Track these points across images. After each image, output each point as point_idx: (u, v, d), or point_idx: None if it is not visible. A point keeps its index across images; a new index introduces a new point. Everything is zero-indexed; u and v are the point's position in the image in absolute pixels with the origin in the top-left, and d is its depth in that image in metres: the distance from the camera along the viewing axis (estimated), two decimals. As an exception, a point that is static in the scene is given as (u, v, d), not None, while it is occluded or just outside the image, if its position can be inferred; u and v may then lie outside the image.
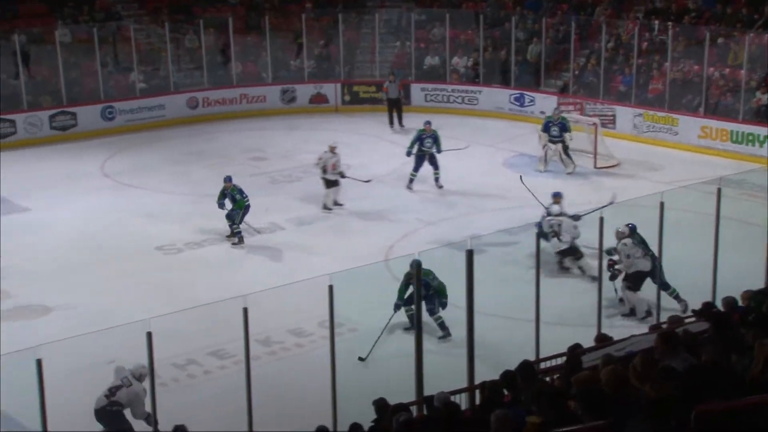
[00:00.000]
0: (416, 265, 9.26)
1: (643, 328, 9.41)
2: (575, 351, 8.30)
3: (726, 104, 21.64)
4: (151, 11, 26.78)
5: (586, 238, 13.47)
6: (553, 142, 19.91)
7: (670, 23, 23.11)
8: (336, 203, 17.60)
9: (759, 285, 10.45)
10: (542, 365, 9.12)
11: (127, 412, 9.78)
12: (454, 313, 12.36)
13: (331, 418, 8.84)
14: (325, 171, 17.40)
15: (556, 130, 19.82)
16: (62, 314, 13.15)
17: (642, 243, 12.50)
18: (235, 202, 16.02)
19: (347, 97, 26.37)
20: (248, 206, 16.07)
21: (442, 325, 12.10)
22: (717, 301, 9.59)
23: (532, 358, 9.43)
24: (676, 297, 12.30)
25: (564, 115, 20.67)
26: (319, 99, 26.29)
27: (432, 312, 12.00)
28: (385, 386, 8.44)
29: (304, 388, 10.83)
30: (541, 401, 6.12)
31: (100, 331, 10.91)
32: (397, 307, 12.14)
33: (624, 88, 23.38)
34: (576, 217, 14.17)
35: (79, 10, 25.96)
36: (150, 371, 8.31)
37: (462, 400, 8.42)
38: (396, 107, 24.00)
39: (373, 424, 7.62)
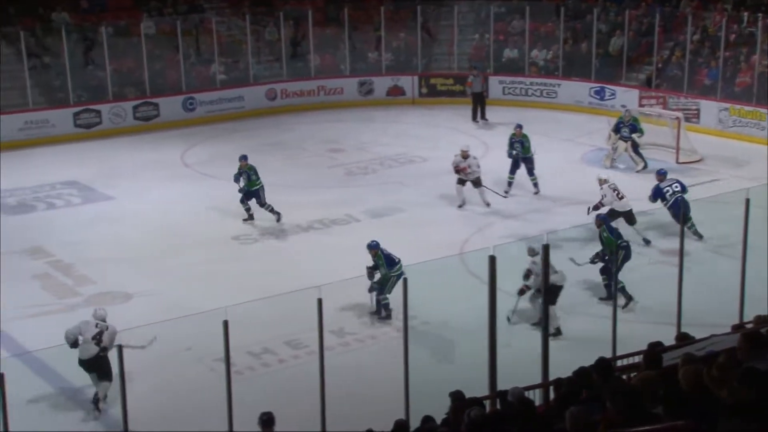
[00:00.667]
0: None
1: (725, 328, 9.17)
2: (655, 349, 8.11)
3: (816, 99, 21.00)
4: (233, 4, 27.12)
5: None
6: (624, 141, 19.60)
7: (760, 15, 22.47)
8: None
9: None
10: (619, 363, 8.96)
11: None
12: (529, 307, 12.25)
13: (404, 410, 8.82)
14: (457, 172, 17.17)
15: (626, 131, 19.54)
16: (142, 301, 13.40)
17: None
18: (249, 180, 16.39)
19: (424, 90, 26.32)
20: (261, 188, 16.48)
21: (387, 306, 12.62)
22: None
23: (608, 355, 9.27)
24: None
25: (644, 111, 20.36)
26: (396, 91, 26.29)
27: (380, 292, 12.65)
28: (458, 380, 8.37)
29: (377, 380, 10.83)
30: (618, 399, 6.00)
31: (178, 319, 11.10)
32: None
33: (709, 81, 22.82)
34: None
35: (163, 2, 26.43)
36: (226, 359, 8.40)
37: (536, 396, 8.32)
38: (480, 101, 23.89)
39: (446, 416, 7.57)
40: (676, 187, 14.97)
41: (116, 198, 18.26)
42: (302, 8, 26.53)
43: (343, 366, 10.93)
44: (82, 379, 10.75)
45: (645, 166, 19.22)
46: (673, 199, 14.80)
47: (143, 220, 16.90)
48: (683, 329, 9.78)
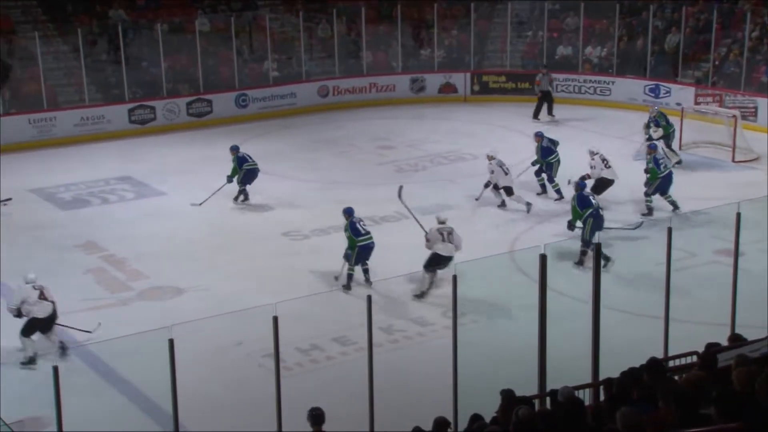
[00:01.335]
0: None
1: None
2: (711, 349, 8.00)
3: None
4: (287, 1, 27.27)
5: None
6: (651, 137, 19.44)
7: (820, 11, 22.06)
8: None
9: None
10: (671, 363, 8.85)
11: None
12: (580, 307, 12.14)
13: (452, 408, 8.80)
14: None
15: (652, 127, 19.52)
16: (193, 296, 13.54)
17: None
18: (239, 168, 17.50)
19: (476, 87, 26.22)
20: (250, 170, 17.55)
21: (350, 277, 13.37)
22: None
23: (659, 355, 9.15)
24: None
25: (699, 109, 20.31)
26: (448, 89, 26.24)
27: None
28: (506, 378, 8.33)
29: (426, 378, 10.83)
30: (670, 400, 5.94)
31: (228, 314, 11.20)
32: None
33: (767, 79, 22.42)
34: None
35: (218, -1, 26.71)
36: (275, 355, 8.45)
37: (586, 396, 8.25)
38: (547, 99, 23.85)
39: (495, 414, 7.54)
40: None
41: (168, 194, 18.47)
42: (355, 5, 26.59)
43: (391, 363, 10.94)
44: (135, 373, 10.91)
45: (679, 161, 19.12)
46: (666, 171, 16.41)
47: (195, 216, 17.08)
48: (737, 330, 9.63)
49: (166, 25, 24.74)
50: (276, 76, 25.48)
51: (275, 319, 8.17)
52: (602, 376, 8.30)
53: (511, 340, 11.63)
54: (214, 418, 10.05)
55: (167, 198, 18.27)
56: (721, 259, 13.34)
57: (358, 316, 8.68)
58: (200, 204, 17.50)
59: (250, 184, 17.61)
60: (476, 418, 7.50)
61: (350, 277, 13.46)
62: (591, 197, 14.48)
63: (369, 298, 8.45)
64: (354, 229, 13.56)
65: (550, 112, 23.67)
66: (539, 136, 17.92)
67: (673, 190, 16.50)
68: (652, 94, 24.12)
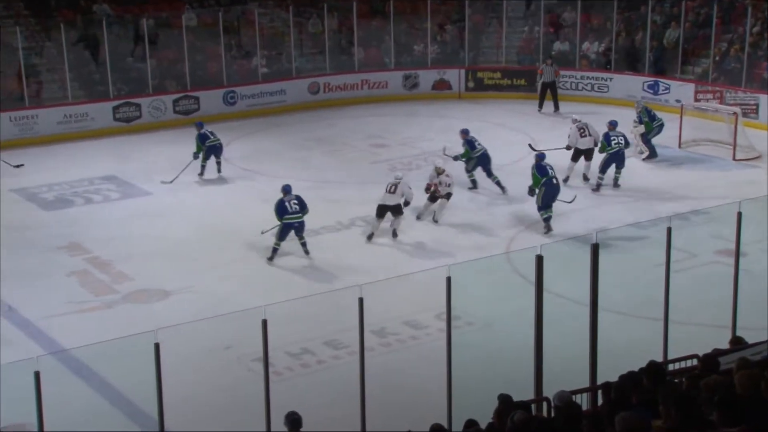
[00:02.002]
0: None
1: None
2: (712, 353, 8.01)
3: None
4: (276, -5, 27.26)
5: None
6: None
7: (823, 5, 22.11)
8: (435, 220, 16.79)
9: None
10: (670, 367, 8.85)
11: None
12: (577, 309, 12.14)
13: (446, 413, 8.80)
14: (428, 189, 17.14)
15: (636, 120, 19.96)
16: (180, 299, 13.51)
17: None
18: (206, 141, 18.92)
19: (471, 84, 26.22)
20: (212, 147, 18.95)
21: (275, 251, 14.71)
22: None
23: (659, 359, 9.16)
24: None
25: (699, 105, 20.59)
26: (441, 85, 26.24)
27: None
28: (502, 383, 8.33)
29: (420, 382, 10.82)
30: (670, 404, 5.93)
31: (216, 317, 11.18)
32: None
33: (769, 75, 22.48)
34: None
35: (206, -7, 26.68)
36: (264, 359, 8.43)
37: (583, 401, 8.25)
38: (551, 91, 24.00)
39: (492, 420, 7.53)
40: (621, 140, 17.46)
41: (155, 193, 18.42)
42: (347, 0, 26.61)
43: (384, 367, 10.93)
44: (120, 378, 10.88)
45: (650, 156, 19.54)
46: (616, 149, 17.60)
47: (182, 217, 17.05)
48: (738, 333, 9.64)
49: (152, 20, 24.67)
50: (265, 72, 25.44)
51: (264, 322, 8.15)
52: (600, 380, 8.31)
53: (507, 343, 11.62)
54: (201, 425, 10.02)
55: (153, 198, 18.22)
56: (721, 259, 13.35)
57: (350, 319, 8.66)
58: (170, 182, 18.28)
59: (210, 159, 19.04)
60: (471, 424, 7.49)
61: (274, 251, 14.76)
62: (548, 167, 15.89)
63: (360, 300, 8.43)
64: (281, 208, 14.72)
65: (555, 106, 23.83)
66: (464, 132, 18.09)
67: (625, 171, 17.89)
68: (651, 91, 24.15)
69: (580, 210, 16.76)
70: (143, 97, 23.59)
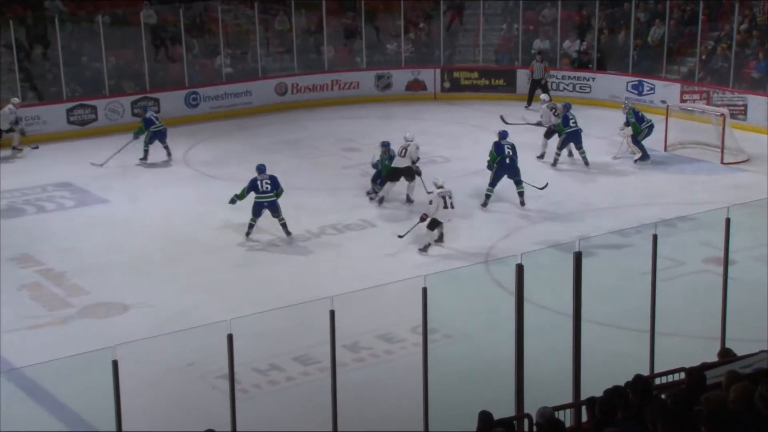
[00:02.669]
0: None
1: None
2: (699, 367, 8.07)
3: None
4: (240, -10, 27.25)
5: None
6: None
7: (813, 2, 22.39)
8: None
9: None
10: (657, 381, 8.91)
11: None
12: (560, 321, 12.20)
13: (423, 431, 8.80)
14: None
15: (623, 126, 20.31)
16: (140, 312, 13.44)
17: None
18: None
19: (447, 84, 26.32)
20: (156, 132, 20.47)
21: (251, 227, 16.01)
22: None
23: (645, 372, 9.21)
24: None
25: (686, 107, 20.96)
26: (416, 86, 26.32)
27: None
28: (482, 398, 8.35)
29: (395, 399, 10.83)
30: (658, 420, 5.97)
31: (178, 332, 11.12)
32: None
33: (757, 74, 22.71)
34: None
35: (165, -12, 26.60)
36: (230, 376, 8.40)
37: (566, 417, 8.28)
38: (541, 88, 24.29)
39: (469, 439, 7.57)
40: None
41: (112, 201, 18.34)
42: (315, -4, 26.64)
43: (357, 383, 10.92)
44: (76, 398, 10.80)
45: (643, 158, 19.77)
46: (573, 129, 19.56)
47: (141, 225, 16.96)
48: (727, 345, 9.72)
49: (108, 16, 24.56)
50: (229, 72, 25.40)
51: (230, 337, 8.12)
52: (584, 395, 8.34)
53: (487, 357, 11.66)
54: (163, 446, 9.97)
55: (110, 206, 18.13)
56: (710, 267, 13.48)
57: (321, 333, 8.65)
58: (101, 165, 18.62)
59: (153, 143, 20.42)
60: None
61: (250, 226, 16.02)
62: (506, 147, 17.40)
63: (332, 313, 8.43)
64: (251, 185, 16.01)
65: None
66: (384, 146, 17.95)
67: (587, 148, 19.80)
68: (635, 91, 24.35)
69: (559, 217, 16.87)
70: (99, 98, 23.48)
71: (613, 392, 7.20)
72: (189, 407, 10.97)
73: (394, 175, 17.46)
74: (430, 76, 26.34)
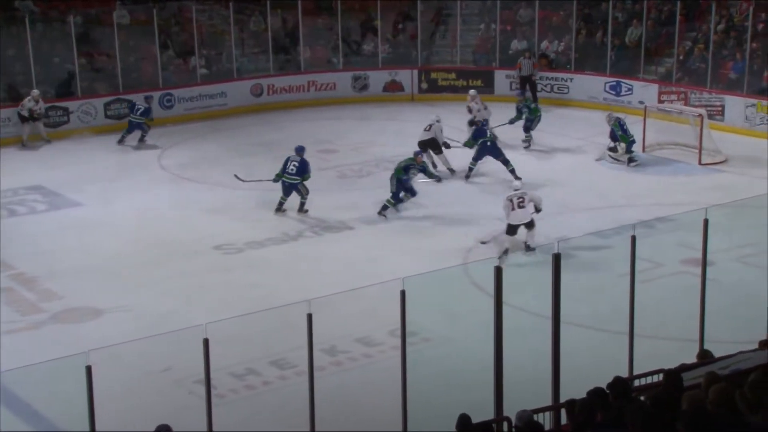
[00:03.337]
0: None
1: (751, 345, 9.18)
2: (677, 368, 8.13)
3: None
4: (215, -10, 27.17)
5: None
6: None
7: (790, 2, 22.58)
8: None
9: None
10: (636, 382, 8.97)
11: None
12: (539, 323, 12.25)
13: (402, 436, 8.83)
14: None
15: (618, 142, 20.07)
16: (114, 317, 13.38)
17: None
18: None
19: (424, 85, 26.37)
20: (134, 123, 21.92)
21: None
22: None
23: (624, 374, 9.27)
24: None
25: (663, 107, 21.16)
26: (393, 87, 26.35)
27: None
28: (460, 402, 8.37)
29: (373, 403, 10.83)
30: (638, 422, 6.01)
31: (153, 337, 11.09)
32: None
33: (735, 75, 22.88)
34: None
35: (138, -12, 26.49)
36: (206, 381, 8.39)
37: (546, 420, 8.33)
38: (530, 85, 24.47)
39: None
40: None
41: (85, 204, 18.24)
42: (291, -4, 26.60)
43: (335, 387, 10.94)
44: (49, 405, 10.74)
45: (633, 163, 19.82)
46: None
47: (115, 229, 16.89)
48: (706, 346, 9.80)
49: (80, 17, 24.44)
50: (204, 73, 25.34)
51: (206, 342, 8.11)
52: (564, 398, 8.38)
53: (465, 360, 11.69)
54: (138, 453, 9.93)
55: (83, 209, 18.04)
56: (688, 269, 13.57)
57: (298, 337, 8.65)
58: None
59: (132, 133, 21.88)
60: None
61: (280, 204, 17.23)
62: (487, 131, 19.16)
63: (309, 316, 8.43)
64: (284, 164, 17.31)
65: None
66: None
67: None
68: (613, 92, 24.48)
69: (538, 219, 16.90)
70: (71, 100, 23.35)
71: (593, 394, 7.24)
72: (165, 413, 10.91)
73: (422, 147, 18.84)
74: (407, 77, 26.38)
